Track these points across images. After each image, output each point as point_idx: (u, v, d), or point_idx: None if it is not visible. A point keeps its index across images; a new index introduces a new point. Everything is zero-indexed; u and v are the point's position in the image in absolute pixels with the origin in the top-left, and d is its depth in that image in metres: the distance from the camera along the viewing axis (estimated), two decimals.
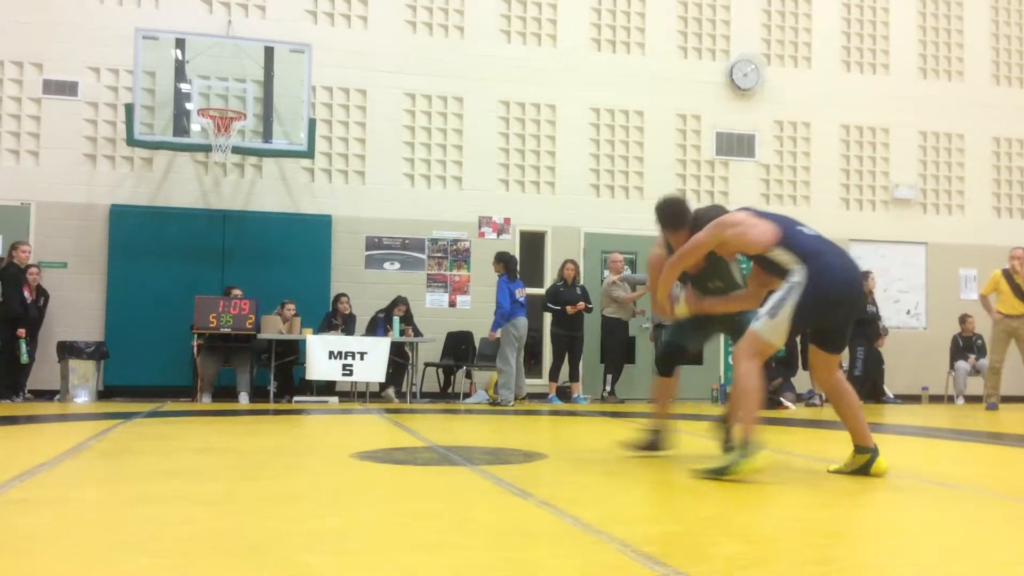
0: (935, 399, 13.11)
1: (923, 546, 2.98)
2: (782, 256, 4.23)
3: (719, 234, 4.40)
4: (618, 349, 11.58)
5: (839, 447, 5.37)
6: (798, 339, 11.04)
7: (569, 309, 11.31)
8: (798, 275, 4.13)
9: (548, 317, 11.78)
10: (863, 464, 4.36)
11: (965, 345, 13.07)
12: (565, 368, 11.55)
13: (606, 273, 12.01)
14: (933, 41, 14.15)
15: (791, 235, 4.28)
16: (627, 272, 11.85)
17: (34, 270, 10.50)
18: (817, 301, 4.08)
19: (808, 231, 4.41)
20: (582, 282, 11.86)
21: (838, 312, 4.23)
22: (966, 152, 14.12)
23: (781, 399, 10.72)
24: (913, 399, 12.96)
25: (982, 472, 4.98)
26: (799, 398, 11.51)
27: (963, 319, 13.16)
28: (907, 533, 3.18)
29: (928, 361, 13.35)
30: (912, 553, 2.86)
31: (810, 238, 4.33)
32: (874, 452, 4.35)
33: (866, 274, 11.78)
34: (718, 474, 4.06)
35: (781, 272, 4.25)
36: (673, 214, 4.86)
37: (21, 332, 10.16)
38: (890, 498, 3.91)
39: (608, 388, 11.53)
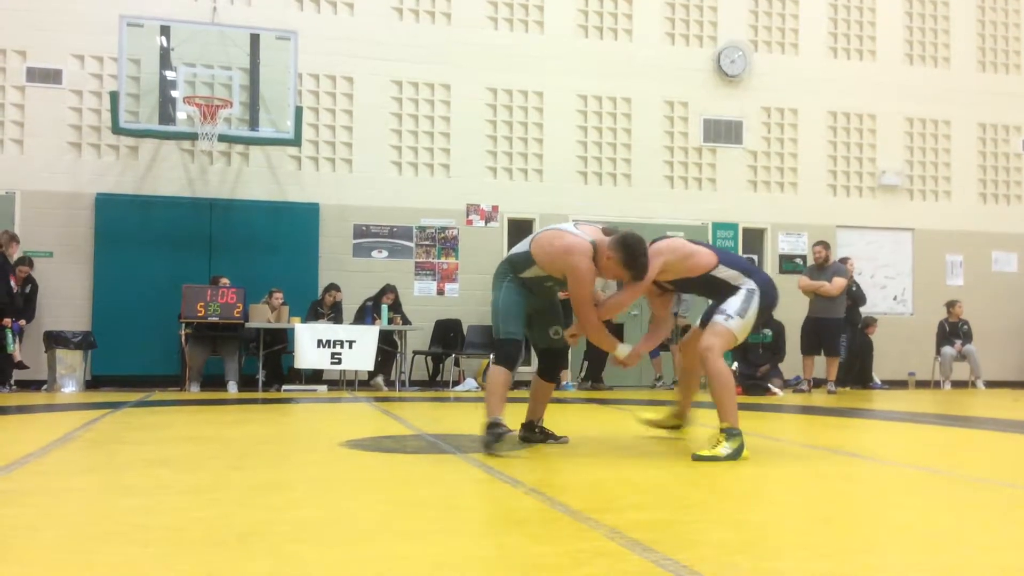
0: (921, 384, 13.19)
1: (909, 530, 3.01)
2: (727, 272, 4.72)
3: (666, 261, 4.67)
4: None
5: (827, 432, 5.41)
6: (784, 327, 11.13)
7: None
8: (750, 284, 4.68)
9: None
10: (673, 425, 5.37)
11: (951, 331, 13.13)
12: None
13: None
14: (919, 27, 14.17)
15: (726, 255, 4.86)
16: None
17: (24, 268, 10.44)
18: (768, 305, 4.73)
19: (733, 254, 5.16)
20: None
21: (771, 314, 4.99)
22: (952, 138, 14.16)
23: (769, 385, 10.76)
24: (900, 385, 13.03)
25: (967, 457, 5.02)
26: (786, 384, 11.56)
27: (949, 305, 13.22)
28: (893, 518, 3.20)
29: (914, 347, 13.42)
30: (898, 537, 2.88)
31: (740, 257, 5.06)
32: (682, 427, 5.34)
33: (845, 259, 11.86)
34: (729, 459, 4.33)
35: (721, 288, 4.71)
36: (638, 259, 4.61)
37: (7, 322, 10.11)
38: (877, 484, 3.94)
39: (582, 374, 11.57)
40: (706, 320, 4.87)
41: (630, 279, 4.61)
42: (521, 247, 4.87)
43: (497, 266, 4.96)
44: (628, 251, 4.50)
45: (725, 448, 4.38)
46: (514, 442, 4.83)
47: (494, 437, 4.54)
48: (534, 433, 5.10)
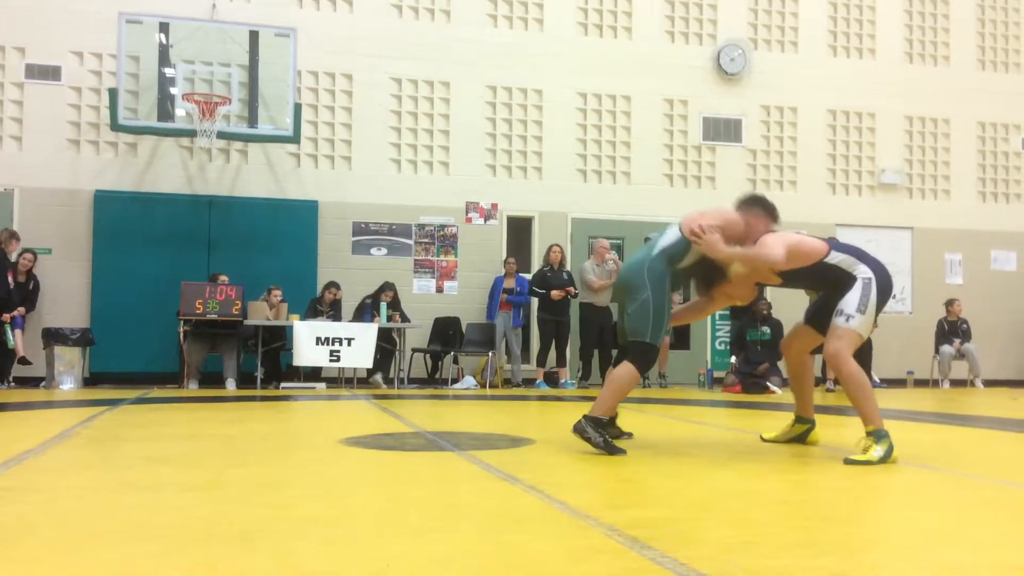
0: (920, 383, 13.20)
1: (907, 528, 3.01)
2: (839, 257, 4.62)
3: (788, 247, 4.61)
4: (587, 334, 11.56)
5: (826, 431, 5.41)
6: (783, 325, 11.12)
7: (553, 294, 11.34)
8: (866, 272, 4.54)
9: (535, 302, 11.78)
10: (801, 433, 5.12)
11: (950, 329, 13.14)
12: (553, 353, 11.58)
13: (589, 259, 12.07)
14: (919, 26, 14.17)
15: (834, 241, 4.76)
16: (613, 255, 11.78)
17: (28, 256, 10.46)
18: (884, 291, 4.55)
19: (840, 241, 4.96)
20: (568, 267, 11.88)
21: (887, 301, 4.63)
22: (951, 137, 14.17)
23: (768, 383, 10.77)
24: (899, 383, 13.04)
25: (966, 456, 5.02)
26: (785, 382, 11.54)
27: (948, 303, 13.23)
28: (892, 516, 3.20)
29: (913, 345, 13.43)
30: (897, 535, 2.88)
31: (846, 244, 4.82)
32: (812, 423, 5.13)
33: None
34: (882, 462, 4.29)
35: (836, 277, 4.60)
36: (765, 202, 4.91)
37: (6, 317, 10.11)
38: (875, 482, 3.94)
39: (579, 373, 11.63)
40: (811, 316, 4.84)
41: (770, 223, 4.78)
42: (670, 237, 4.77)
43: (646, 261, 4.73)
44: (753, 200, 4.81)
45: (877, 451, 4.31)
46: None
47: (603, 439, 4.57)
48: (615, 428, 5.10)
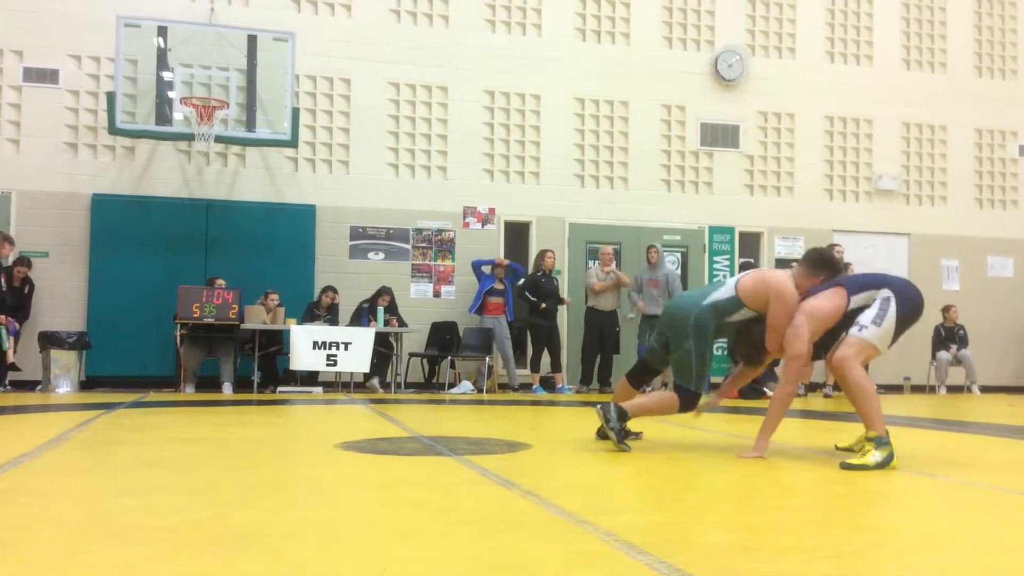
0: (917, 389, 13.20)
1: (904, 534, 3.01)
2: (859, 299, 4.73)
3: (811, 331, 4.75)
4: (589, 338, 11.57)
5: (823, 436, 5.41)
6: None
7: (542, 306, 11.36)
8: (884, 293, 4.64)
9: (523, 307, 11.79)
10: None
11: (947, 335, 13.15)
12: (546, 358, 11.58)
13: (591, 264, 12.08)
14: (916, 32, 14.20)
15: (851, 283, 4.83)
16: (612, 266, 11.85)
17: (21, 269, 10.44)
18: (908, 306, 4.60)
19: (860, 274, 5.16)
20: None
21: (917, 318, 4.71)
22: (948, 143, 14.19)
23: (764, 388, 10.77)
24: (895, 389, 13.04)
25: (963, 461, 5.02)
26: None
27: (945, 309, 13.24)
28: (888, 521, 3.21)
29: (910, 351, 13.41)
30: (893, 541, 2.88)
31: (864, 275, 5.02)
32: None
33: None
34: (879, 467, 4.31)
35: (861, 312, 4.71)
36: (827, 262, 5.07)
37: (1, 318, 10.10)
38: (872, 487, 3.94)
39: (580, 377, 11.65)
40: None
41: (828, 277, 4.91)
42: (723, 292, 5.02)
43: (695, 310, 5.00)
44: (814, 257, 4.98)
45: (875, 456, 4.33)
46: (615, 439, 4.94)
47: (620, 428, 4.86)
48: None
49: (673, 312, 5.15)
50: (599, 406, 4.96)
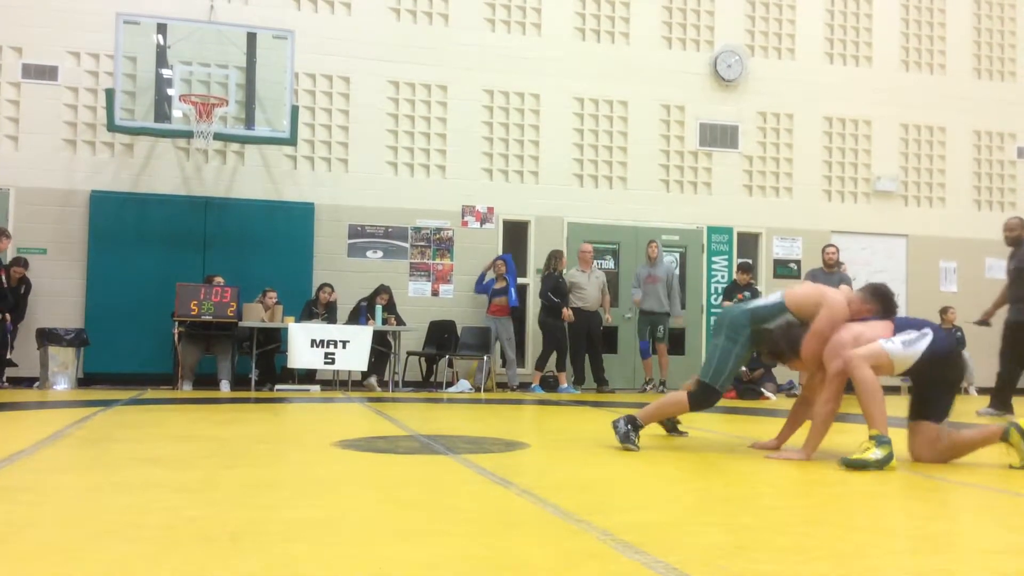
0: None
1: (900, 534, 3.01)
2: (901, 337, 4.68)
3: (859, 343, 4.72)
4: (576, 339, 11.49)
5: (828, 437, 5.40)
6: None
7: (565, 313, 11.28)
8: (924, 330, 4.65)
9: (536, 307, 11.78)
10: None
11: None
12: (552, 358, 11.56)
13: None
14: (915, 34, 14.20)
15: (899, 322, 4.80)
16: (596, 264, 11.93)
17: (18, 269, 10.43)
18: (939, 350, 4.60)
19: (909, 317, 5.15)
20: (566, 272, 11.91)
21: (945, 363, 4.70)
22: (947, 145, 14.20)
23: (762, 389, 10.78)
24: (893, 390, 12.98)
25: (959, 462, 5.02)
26: (780, 388, 11.58)
27: (943, 311, 13.24)
28: (885, 522, 3.21)
29: None
30: (890, 541, 2.88)
31: (915, 318, 4.97)
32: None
33: (840, 264, 11.86)
34: (878, 467, 4.33)
35: None
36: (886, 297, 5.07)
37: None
38: (869, 487, 3.94)
39: (573, 378, 11.62)
40: (912, 412, 4.97)
41: (879, 310, 4.92)
42: (766, 300, 5.21)
43: (733, 315, 5.17)
44: (873, 288, 5.02)
45: (875, 453, 4.35)
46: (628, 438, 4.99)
47: (626, 432, 4.93)
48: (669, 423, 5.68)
49: (722, 315, 5.37)
50: (613, 423, 5.05)
